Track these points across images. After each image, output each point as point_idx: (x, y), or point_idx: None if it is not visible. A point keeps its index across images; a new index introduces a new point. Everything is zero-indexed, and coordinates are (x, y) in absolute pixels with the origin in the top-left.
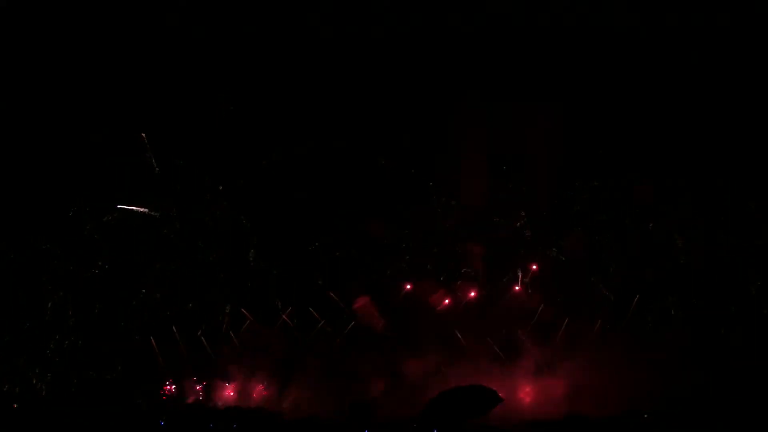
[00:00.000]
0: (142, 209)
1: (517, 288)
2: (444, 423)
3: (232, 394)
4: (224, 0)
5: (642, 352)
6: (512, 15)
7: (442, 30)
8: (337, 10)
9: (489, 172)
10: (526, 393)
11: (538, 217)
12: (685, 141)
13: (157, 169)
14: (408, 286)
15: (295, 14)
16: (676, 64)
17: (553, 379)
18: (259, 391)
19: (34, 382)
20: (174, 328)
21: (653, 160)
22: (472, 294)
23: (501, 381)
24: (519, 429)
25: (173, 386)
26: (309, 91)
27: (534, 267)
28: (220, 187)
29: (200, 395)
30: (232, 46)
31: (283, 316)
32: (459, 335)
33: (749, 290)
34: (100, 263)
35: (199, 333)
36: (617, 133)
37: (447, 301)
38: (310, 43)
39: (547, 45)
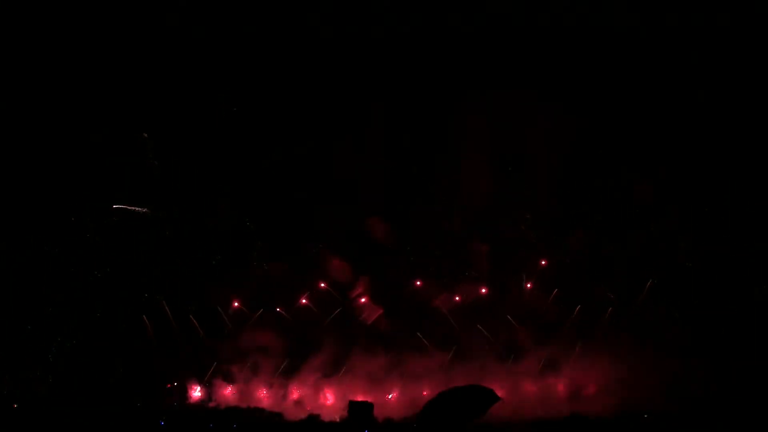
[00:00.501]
0: (140, 209)
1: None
2: (444, 423)
3: (232, 394)
4: (224, 0)
5: (642, 352)
6: (512, 15)
7: (442, 30)
8: (337, 10)
9: (489, 172)
10: (527, 393)
11: (540, 218)
12: (686, 141)
13: (158, 169)
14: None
15: (295, 14)
16: (676, 64)
17: (554, 379)
18: (259, 391)
19: (35, 383)
20: (175, 328)
21: (653, 160)
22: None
23: (502, 381)
24: (519, 429)
25: (173, 386)
26: (309, 91)
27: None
28: (223, 189)
29: (200, 395)
30: (232, 46)
31: (282, 312)
32: (461, 335)
33: (750, 291)
34: (101, 265)
35: (200, 333)
36: (617, 133)
37: (449, 301)
38: (310, 43)
39: (547, 45)
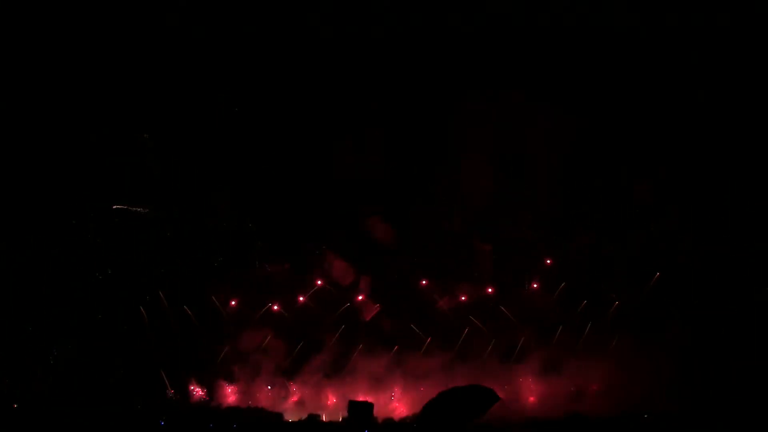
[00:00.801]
0: (141, 210)
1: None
2: (444, 423)
3: (232, 394)
4: (224, 0)
5: (643, 352)
6: (512, 15)
7: (442, 30)
8: (337, 10)
9: (490, 172)
10: (527, 393)
11: (540, 218)
12: (685, 140)
13: (158, 169)
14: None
15: (295, 14)
16: (676, 64)
17: (554, 380)
18: (259, 391)
19: (35, 383)
20: (175, 328)
21: (653, 160)
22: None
23: (502, 381)
24: (519, 429)
25: (174, 386)
26: (309, 91)
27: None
28: (223, 188)
29: (201, 395)
30: (232, 46)
31: (282, 312)
32: (462, 335)
33: (750, 291)
34: (102, 266)
35: (200, 333)
36: (617, 133)
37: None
38: (310, 43)
39: (547, 45)
